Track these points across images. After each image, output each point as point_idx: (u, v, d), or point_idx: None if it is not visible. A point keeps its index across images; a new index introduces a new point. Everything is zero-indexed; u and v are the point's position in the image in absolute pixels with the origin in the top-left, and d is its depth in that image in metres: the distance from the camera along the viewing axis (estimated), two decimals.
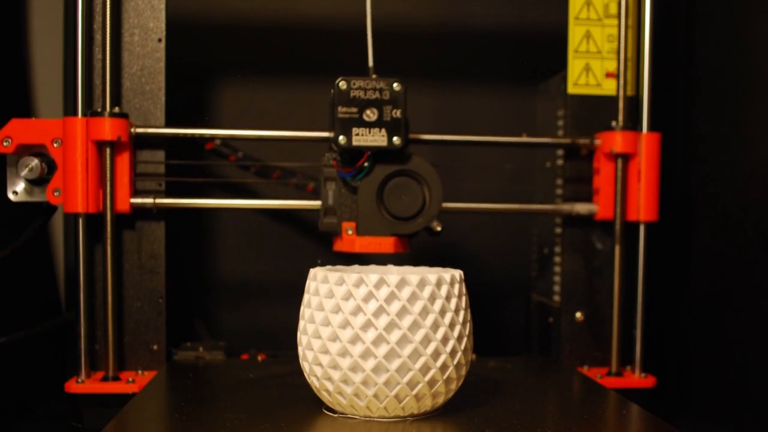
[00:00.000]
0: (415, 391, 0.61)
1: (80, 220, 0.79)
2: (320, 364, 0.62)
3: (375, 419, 0.62)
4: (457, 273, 0.64)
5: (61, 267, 1.05)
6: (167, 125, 0.83)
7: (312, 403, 0.66)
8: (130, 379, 0.79)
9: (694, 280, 0.93)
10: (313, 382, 0.64)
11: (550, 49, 0.92)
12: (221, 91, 1.03)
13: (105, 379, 0.80)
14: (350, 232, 0.81)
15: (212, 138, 0.92)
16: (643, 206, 0.85)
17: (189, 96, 1.01)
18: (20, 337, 0.84)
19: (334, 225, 0.82)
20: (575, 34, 0.89)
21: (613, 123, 0.86)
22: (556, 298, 0.92)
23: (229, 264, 1.04)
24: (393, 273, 0.62)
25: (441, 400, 0.64)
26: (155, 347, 0.84)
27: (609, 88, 0.89)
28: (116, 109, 0.79)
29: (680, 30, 0.97)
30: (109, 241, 0.79)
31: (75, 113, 0.79)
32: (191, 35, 1.00)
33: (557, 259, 0.92)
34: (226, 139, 0.95)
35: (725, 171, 0.88)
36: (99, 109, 0.80)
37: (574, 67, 0.89)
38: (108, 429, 0.60)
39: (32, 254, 1.01)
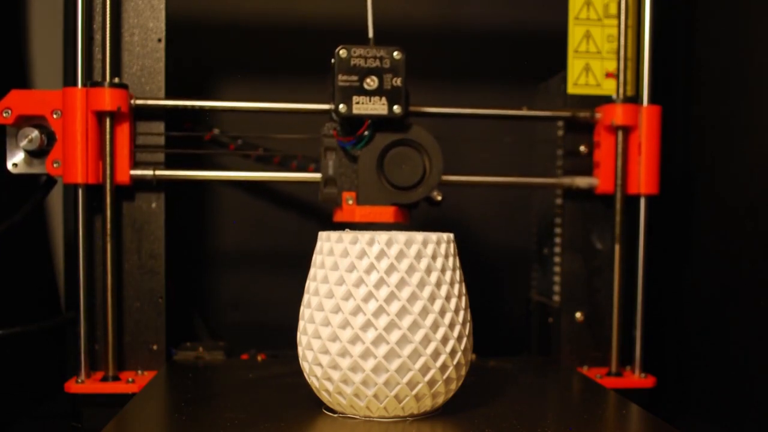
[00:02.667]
0: (414, 391, 0.61)
1: (80, 191, 0.79)
2: (320, 364, 0.62)
3: (375, 419, 0.62)
4: (448, 234, 0.64)
5: (60, 266, 1.05)
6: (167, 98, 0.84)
7: (312, 403, 0.66)
8: (130, 379, 0.79)
9: (693, 279, 0.93)
10: (313, 382, 0.64)
11: (550, 49, 0.92)
12: (221, 92, 1.03)
13: (105, 379, 0.80)
14: (350, 202, 0.81)
15: (212, 110, 0.90)
16: (644, 179, 0.85)
17: (189, 96, 1.01)
18: (17, 332, 0.84)
19: (334, 195, 0.81)
20: (575, 34, 0.89)
21: (614, 96, 0.86)
22: (556, 298, 0.92)
23: (230, 259, 1.04)
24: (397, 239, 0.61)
25: (441, 400, 0.64)
26: (155, 347, 0.84)
27: (609, 88, 0.89)
28: (116, 80, 0.80)
29: (680, 30, 0.97)
30: (108, 213, 0.79)
31: (75, 84, 0.79)
32: (191, 35, 1.00)
33: (557, 259, 0.92)
34: (224, 130, 0.95)
35: (726, 170, 0.88)
36: (99, 80, 0.80)
37: (574, 67, 0.89)
38: (108, 429, 0.60)
39: (31, 249, 1.01)
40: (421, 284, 0.61)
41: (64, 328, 0.96)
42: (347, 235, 0.62)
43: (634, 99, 0.85)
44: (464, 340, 0.63)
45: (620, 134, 0.85)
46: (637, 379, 0.85)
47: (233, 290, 1.03)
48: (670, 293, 0.97)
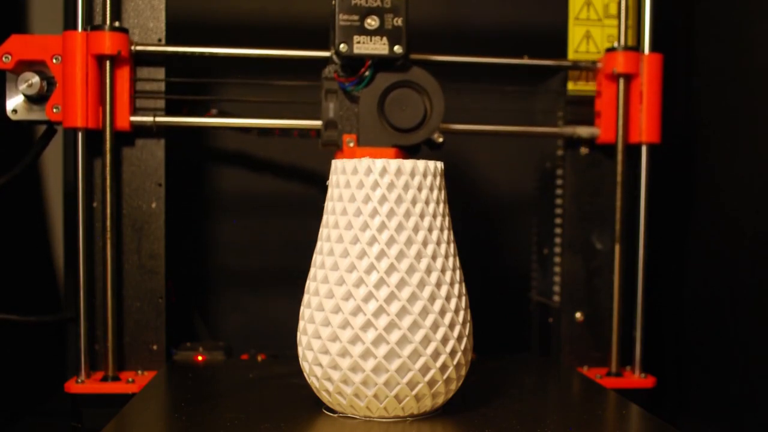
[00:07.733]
0: (415, 392, 0.61)
1: (80, 136, 0.79)
2: (320, 365, 0.62)
3: (375, 419, 0.62)
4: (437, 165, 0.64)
5: (60, 266, 1.05)
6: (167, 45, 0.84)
7: (312, 403, 0.66)
8: (130, 379, 0.80)
9: (693, 280, 0.93)
10: (313, 382, 0.64)
11: (550, 49, 0.92)
12: (221, 92, 1.03)
13: (105, 379, 0.80)
14: (351, 144, 0.81)
15: (212, 56, 0.88)
16: (645, 127, 0.85)
17: (188, 92, 1.01)
18: (16, 320, 0.84)
19: (334, 138, 0.81)
20: (575, 34, 0.89)
21: (615, 44, 0.86)
22: (556, 298, 0.92)
23: (231, 259, 1.04)
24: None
25: (441, 400, 0.64)
26: (155, 347, 0.84)
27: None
28: (117, 24, 0.80)
29: (680, 30, 0.97)
30: (108, 158, 0.79)
31: (75, 28, 0.79)
32: (191, 35, 1.00)
33: (557, 259, 0.92)
34: (223, 110, 0.96)
35: (727, 175, 0.88)
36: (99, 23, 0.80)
37: None
38: (108, 429, 0.60)
39: (31, 248, 1.01)
40: (414, 201, 0.61)
41: (63, 325, 0.96)
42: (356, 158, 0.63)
43: (636, 48, 0.85)
44: (464, 340, 0.63)
45: (622, 82, 0.84)
46: (637, 379, 0.85)
47: (234, 291, 1.03)
48: (670, 293, 0.97)
